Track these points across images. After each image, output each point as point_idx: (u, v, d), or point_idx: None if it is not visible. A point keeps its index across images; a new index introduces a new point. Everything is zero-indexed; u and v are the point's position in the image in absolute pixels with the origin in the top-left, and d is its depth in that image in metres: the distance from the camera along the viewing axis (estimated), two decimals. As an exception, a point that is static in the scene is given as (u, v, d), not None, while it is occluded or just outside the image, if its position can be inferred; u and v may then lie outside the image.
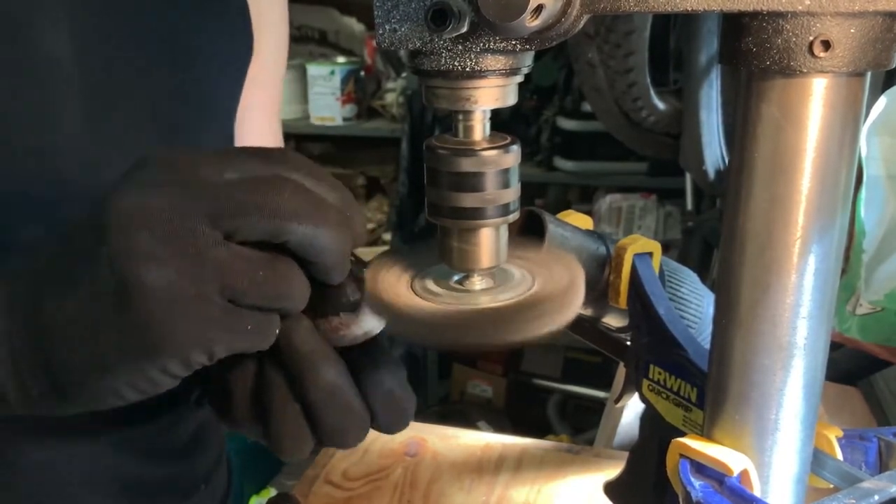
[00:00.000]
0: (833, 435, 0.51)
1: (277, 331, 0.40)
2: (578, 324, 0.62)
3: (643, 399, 0.57)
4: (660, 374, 0.55)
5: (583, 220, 0.59)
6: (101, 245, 0.37)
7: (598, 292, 0.57)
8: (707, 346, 0.54)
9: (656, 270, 0.57)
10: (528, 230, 0.54)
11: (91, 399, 0.40)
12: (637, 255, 0.56)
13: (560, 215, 0.57)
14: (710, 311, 0.62)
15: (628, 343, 0.60)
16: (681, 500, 0.45)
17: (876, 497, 0.43)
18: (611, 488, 0.61)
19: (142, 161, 0.40)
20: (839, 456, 0.50)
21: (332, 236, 0.39)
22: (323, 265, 0.40)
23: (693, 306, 0.61)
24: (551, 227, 0.53)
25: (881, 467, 0.52)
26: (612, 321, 0.61)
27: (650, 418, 0.57)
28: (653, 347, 0.55)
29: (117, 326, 0.37)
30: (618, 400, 0.61)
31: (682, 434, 0.48)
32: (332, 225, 0.40)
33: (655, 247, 0.57)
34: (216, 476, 0.71)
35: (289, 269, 0.39)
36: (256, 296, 0.38)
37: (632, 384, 0.58)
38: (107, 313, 0.37)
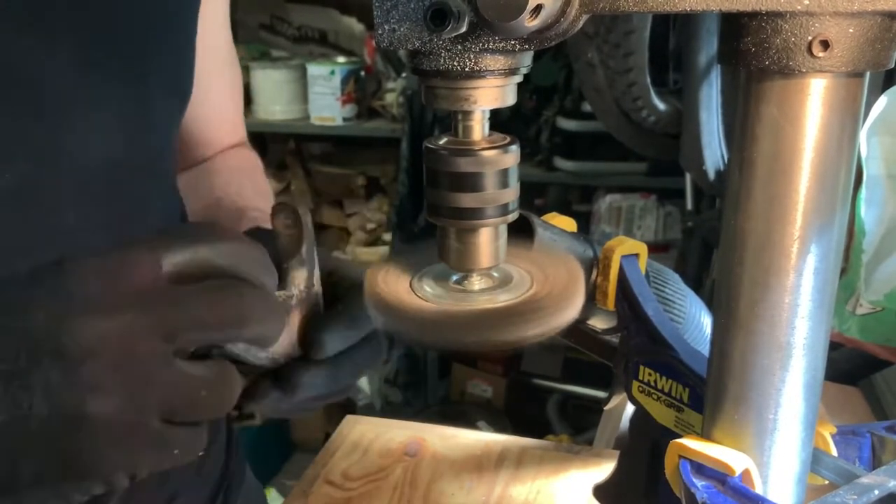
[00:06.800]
0: (827, 432, 0.51)
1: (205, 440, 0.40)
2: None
3: (633, 401, 0.57)
4: (650, 375, 0.55)
5: (567, 223, 0.59)
6: (34, 371, 0.34)
7: (585, 294, 0.57)
8: (692, 345, 0.54)
9: (643, 272, 0.57)
10: (517, 233, 0.54)
11: None
12: (624, 257, 0.56)
13: (544, 218, 0.57)
14: (693, 310, 0.62)
15: (615, 344, 0.60)
16: (683, 501, 0.45)
17: (876, 492, 0.43)
18: (600, 491, 0.61)
19: (71, 267, 0.36)
20: (834, 452, 0.50)
21: (276, 328, 0.41)
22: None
23: (677, 306, 0.61)
24: (539, 231, 0.53)
25: (875, 462, 0.52)
26: (598, 323, 0.60)
27: (640, 420, 0.56)
28: (642, 349, 0.55)
29: (42, 453, 0.35)
30: (606, 402, 0.61)
31: (675, 435, 0.48)
32: (279, 316, 0.41)
33: (642, 248, 0.57)
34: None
35: (231, 381, 0.39)
36: (194, 416, 0.38)
37: (620, 386, 0.58)
38: (32, 441, 0.34)
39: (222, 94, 0.79)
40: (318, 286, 0.51)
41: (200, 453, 0.40)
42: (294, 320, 0.49)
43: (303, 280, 0.49)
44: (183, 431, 0.38)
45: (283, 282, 0.48)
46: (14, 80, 0.49)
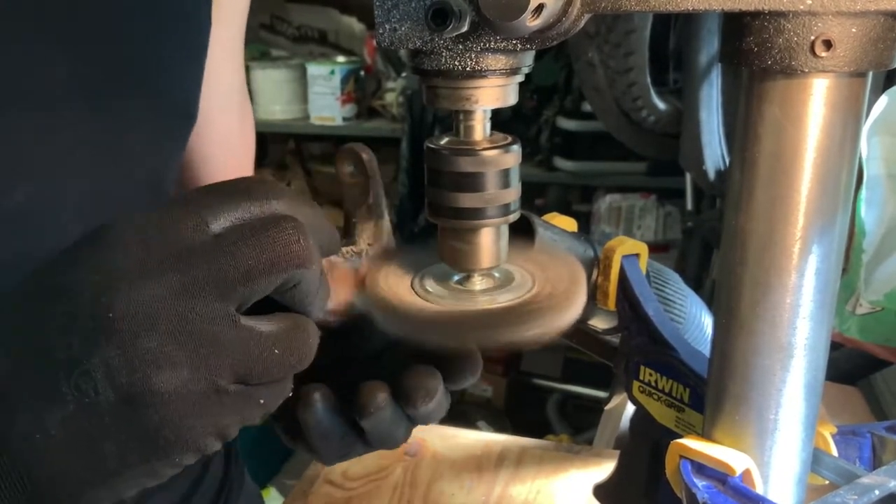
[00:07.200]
0: (827, 432, 0.51)
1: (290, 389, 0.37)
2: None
3: (634, 401, 0.57)
4: (651, 375, 0.55)
5: (567, 223, 0.59)
6: (91, 356, 0.32)
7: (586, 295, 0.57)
8: (692, 345, 0.54)
9: (644, 272, 0.57)
10: (517, 233, 0.54)
11: None
12: (625, 257, 0.56)
13: (544, 218, 0.57)
14: (693, 310, 0.62)
15: (615, 344, 0.60)
16: (684, 501, 0.45)
17: (876, 492, 0.43)
18: (601, 491, 0.61)
19: (109, 236, 0.34)
20: (834, 452, 0.50)
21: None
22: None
23: (678, 306, 0.61)
24: (540, 231, 0.53)
25: (875, 462, 0.52)
26: (599, 323, 0.60)
27: (641, 420, 0.56)
28: (643, 349, 0.55)
29: (122, 435, 0.33)
30: (606, 402, 0.61)
31: (675, 435, 0.48)
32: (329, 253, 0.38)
33: (642, 248, 0.57)
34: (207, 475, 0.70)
35: (304, 335, 0.36)
36: (270, 376, 0.35)
37: (621, 386, 0.58)
38: (107, 425, 0.33)
39: (227, 132, 0.76)
40: (388, 238, 0.47)
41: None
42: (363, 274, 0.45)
43: (371, 233, 0.46)
44: (263, 390, 0.36)
45: (350, 236, 0.45)
46: (18, 96, 0.49)
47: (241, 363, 0.34)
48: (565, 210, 0.60)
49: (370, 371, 0.45)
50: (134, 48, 0.55)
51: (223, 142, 0.76)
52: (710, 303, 0.54)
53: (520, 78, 0.41)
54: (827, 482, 0.49)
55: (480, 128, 0.42)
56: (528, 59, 0.41)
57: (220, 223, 0.35)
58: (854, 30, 0.35)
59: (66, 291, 0.33)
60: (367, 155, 0.46)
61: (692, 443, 0.45)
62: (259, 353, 0.34)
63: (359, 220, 0.46)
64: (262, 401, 0.36)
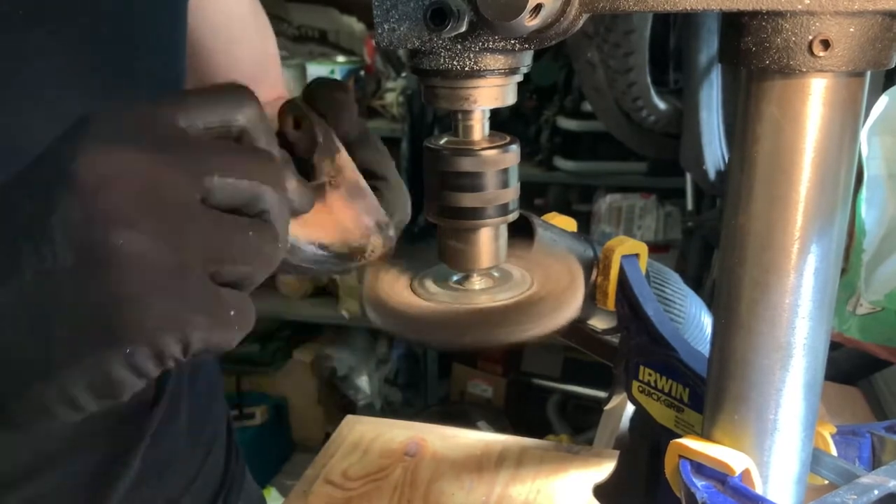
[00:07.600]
0: (827, 432, 0.51)
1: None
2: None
3: (633, 401, 0.57)
4: (650, 375, 0.55)
5: (567, 223, 0.59)
6: (52, 213, 0.30)
7: (585, 294, 0.57)
8: (692, 345, 0.54)
9: (643, 272, 0.57)
10: (517, 233, 0.54)
11: (37, 411, 0.31)
12: (624, 257, 0.56)
13: (544, 218, 0.57)
14: (693, 310, 0.62)
15: (615, 344, 0.59)
16: (683, 501, 0.45)
17: (876, 492, 0.43)
18: (601, 491, 0.61)
19: (92, 115, 0.33)
20: (834, 452, 0.50)
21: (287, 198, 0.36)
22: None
23: (677, 306, 0.61)
24: (540, 231, 0.53)
25: (875, 462, 0.52)
26: (598, 323, 0.60)
27: (641, 420, 0.56)
28: (642, 349, 0.55)
29: (74, 309, 0.30)
30: (606, 402, 0.61)
31: (675, 435, 0.48)
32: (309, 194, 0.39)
33: (642, 248, 0.57)
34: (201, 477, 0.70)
35: (274, 233, 0.34)
36: (243, 264, 0.32)
37: (620, 386, 0.58)
38: (62, 300, 0.30)
39: (251, 52, 0.79)
40: (351, 169, 0.47)
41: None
42: (337, 206, 0.46)
43: (329, 168, 0.46)
44: (233, 295, 0.32)
45: (309, 175, 0.46)
46: (14, 87, 0.49)
47: (212, 242, 0.32)
48: (565, 210, 0.60)
49: None
50: (125, 34, 0.56)
51: (248, 63, 0.78)
52: (711, 303, 0.54)
53: (518, 78, 0.41)
54: (826, 482, 0.49)
55: (479, 127, 0.42)
56: (526, 58, 0.41)
57: (193, 119, 0.34)
58: (852, 29, 0.35)
59: (36, 161, 0.32)
60: (305, 107, 0.46)
61: (691, 443, 0.45)
62: (232, 235, 0.32)
63: (314, 160, 0.46)
64: (232, 312, 0.32)
